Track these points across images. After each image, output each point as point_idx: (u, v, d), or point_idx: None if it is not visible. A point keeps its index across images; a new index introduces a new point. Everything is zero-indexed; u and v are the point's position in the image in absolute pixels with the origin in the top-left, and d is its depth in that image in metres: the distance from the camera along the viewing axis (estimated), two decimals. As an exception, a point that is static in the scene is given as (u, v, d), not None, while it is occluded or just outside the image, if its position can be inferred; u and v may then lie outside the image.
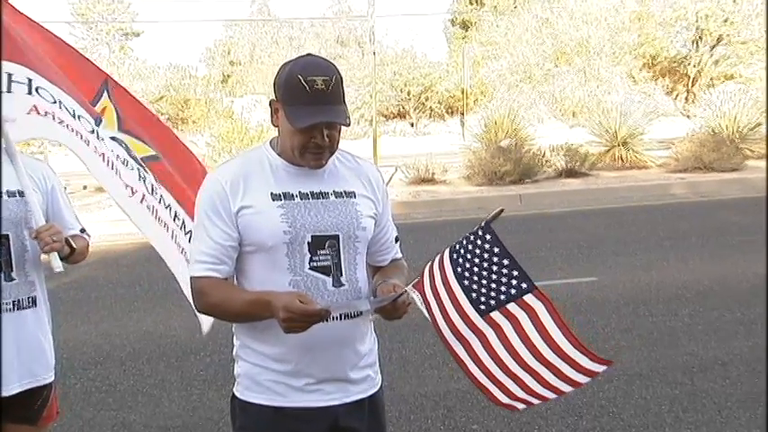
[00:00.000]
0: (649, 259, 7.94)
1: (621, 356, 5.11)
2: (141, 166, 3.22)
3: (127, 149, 3.20)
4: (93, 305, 7.22)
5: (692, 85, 28.64)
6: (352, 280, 2.08)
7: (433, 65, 30.61)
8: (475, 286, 1.87)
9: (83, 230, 2.80)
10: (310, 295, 1.97)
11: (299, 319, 1.86)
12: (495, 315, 1.87)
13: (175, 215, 3.27)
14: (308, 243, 2.03)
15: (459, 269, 1.91)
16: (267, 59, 38.07)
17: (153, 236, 3.22)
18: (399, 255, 2.35)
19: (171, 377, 5.25)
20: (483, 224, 1.89)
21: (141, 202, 3.16)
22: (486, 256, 1.85)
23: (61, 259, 2.61)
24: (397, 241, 2.33)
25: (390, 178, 14.96)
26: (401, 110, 29.87)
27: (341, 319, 2.04)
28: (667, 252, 8.26)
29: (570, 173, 14.71)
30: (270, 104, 2.09)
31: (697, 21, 27.58)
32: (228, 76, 40.82)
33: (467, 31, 39.03)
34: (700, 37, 28.23)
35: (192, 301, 2.12)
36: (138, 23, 45.46)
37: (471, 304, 1.89)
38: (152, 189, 3.21)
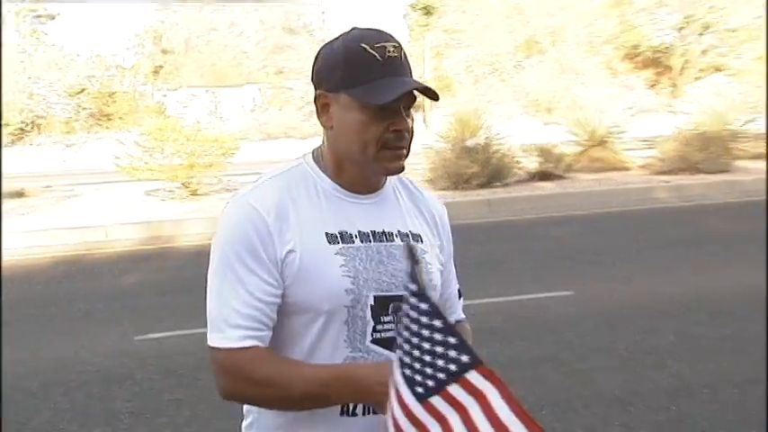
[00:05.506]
0: (630, 271, 8.04)
1: (599, 379, 5.16)
2: None
3: None
4: None
5: (678, 78, 29.15)
6: None
7: (391, 54, 30.65)
8: (408, 359, 1.46)
9: None
10: None
11: None
12: (436, 401, 1.46)
13: None
14: (371, 306, 1.65)
15: (398, 351, 1.48)
16: (204, 47, 37.78)
17: None
18: (463, 315, 1.96)
19: (93, 410, 5.16)
20: (408, 269, 1.45)
21: None
22: (414, 315, 1.44)
23: None
24: (460, 297, 1.96)
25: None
26: (357, 105, 29.84)
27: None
28: (650, 263, 8.38)
29: (544, 175, 14.83)
30: (315, 101, 1.70)
31: (682, 6, 28.11)
32: (160, 66, 40.43)
33: (429, 17, 39.24)
34: (686, 23, 28.74)
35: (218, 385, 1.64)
36: (53, 3, 44.66)
37: (408, 386, 1.47)
38: None
